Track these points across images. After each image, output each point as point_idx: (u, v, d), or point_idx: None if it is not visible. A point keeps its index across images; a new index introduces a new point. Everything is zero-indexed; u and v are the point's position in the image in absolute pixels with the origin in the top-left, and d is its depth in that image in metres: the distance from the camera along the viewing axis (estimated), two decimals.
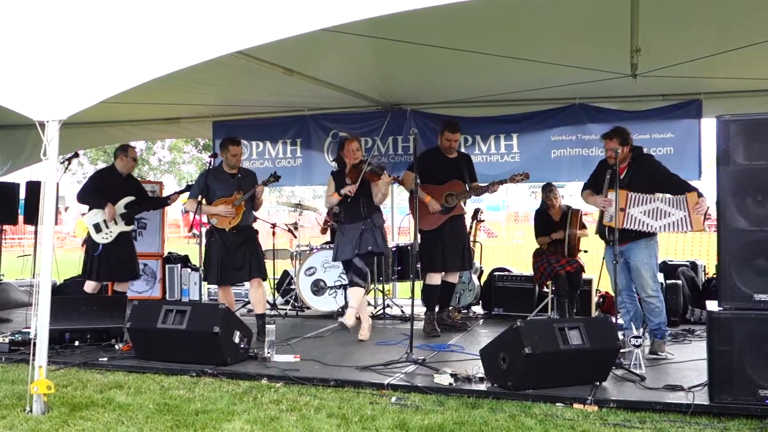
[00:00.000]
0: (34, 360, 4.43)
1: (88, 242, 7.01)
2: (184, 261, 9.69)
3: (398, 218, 9.88)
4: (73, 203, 25.09)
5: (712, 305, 4.46)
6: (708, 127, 7.50)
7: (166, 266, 9.47)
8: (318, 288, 8.11)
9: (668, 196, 5.57)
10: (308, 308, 8.26)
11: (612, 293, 6.14)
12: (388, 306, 8.09)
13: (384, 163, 8.69)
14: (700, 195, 5.46)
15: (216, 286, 7.31)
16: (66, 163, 7.51)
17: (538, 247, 7.62)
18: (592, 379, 4.81)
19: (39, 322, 4.47)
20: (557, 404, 4.50)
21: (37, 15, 4.67)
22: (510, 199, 33.37)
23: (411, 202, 6.88)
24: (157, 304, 6.01)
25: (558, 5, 5.13)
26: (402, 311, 8.02)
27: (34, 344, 4.43)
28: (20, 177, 9.51)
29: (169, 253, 9.90)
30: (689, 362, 5.46)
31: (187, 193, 6.85)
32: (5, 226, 8.95)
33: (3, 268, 8.83)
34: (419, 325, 6.88)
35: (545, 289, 7.73)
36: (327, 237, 8.88)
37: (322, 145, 9.03)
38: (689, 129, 7.72)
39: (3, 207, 8.35)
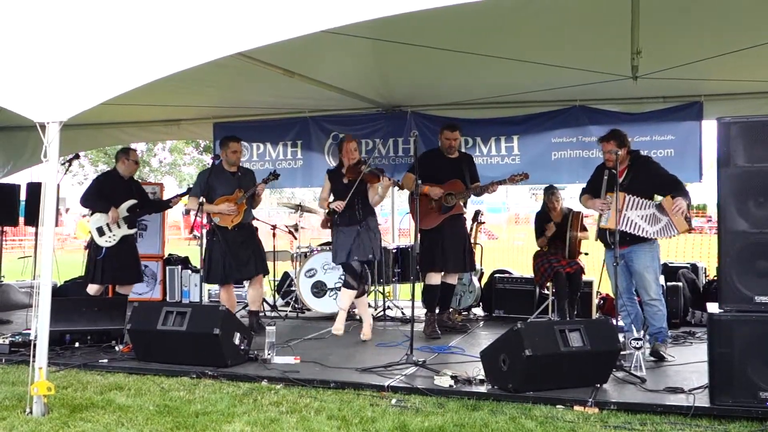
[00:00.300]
0: (34, 361, 4.42)
1: (91, 245, 7.02)
2: (185, 262, 9.69)
3: (398, 219, 9.89)
4: (74, 205, 25.12)
5: (712, 307, 4.46)
6: (709, 129, 7.49)
7: (167, 268, 9.47)
8: (318, 290, 8.12)
9: (659, 200, 5.58)
10: (308, 310, 8.25)
11: (612, 295, 6.14)
12: (388, 307, 8.09)
13: (382, 167, 8.72)
14: (674, 197, 5.45)
15: (217, 288, 7.35)
16: (66, 164, 7.52)
17: (539, 249, 7.62)
18: (593, 381, 4.80)
19: (39, 324, 4.46)
20: (558, 406, 4.50)
21: (37, 17, 4.68)
22: (510, 201, 33.38)
23: (411, 203, 6.91)
24: (158, 305, 6.01)
25: (558, 7, 5.13)
26: (402, 313, 8.03)
27: (35, 346, 4.43)
28: (21, 178, 9.52)
29: (170, 254, 9.90)
30: (690, 364, 5.45)
31: (188, 196, 6.95)
32: (6, 228, 8.95)
33: (3, 270, 8.83)
34: (420, 327, 6.87)
35: (546, 291, 7.73)
36: (328, 235, 8.88)
37: (323, 147, 9.03)
38: (690, 131, 7.73)
39: (4, 208, 8.35)
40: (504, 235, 24.05)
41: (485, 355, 5.04)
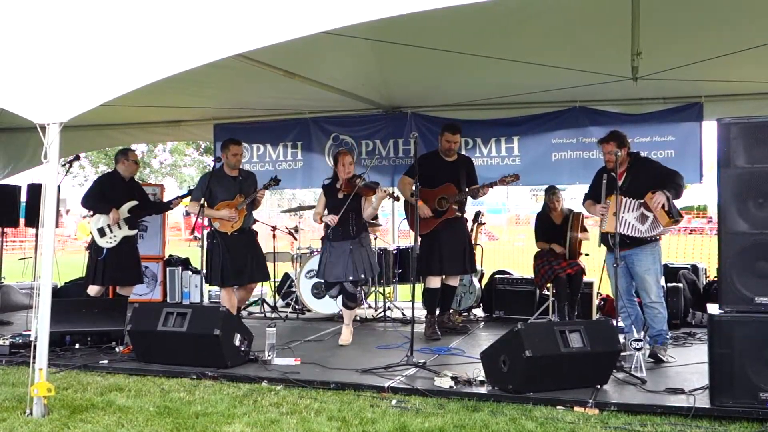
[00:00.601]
0: (34, 362, 4.42)
1: (92, 246, 7.02)
2: (185, 264, 9.69)
3: (398, 220, 9.87)
4: (74, 206, 25.13)
5: (713, 308, 4.45)
6: (709, 130, 7.49)
7: (167, 269, 9.47)
8: (319, 291, 8.11)
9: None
10: (309, 311, 8.26)
11: (613, 296, 6.14)
12: (388, 309, 8.10)
13: (382, 168, 8.74)
14: (654, 192, 5.46)
15: (217, 289, 7.34)
16: (67, 165, 7.53)
17: (539, 249, 7.62)
18: (593, 382, 4.80)
19: (39, 325, 4.46)
20: (558, 407, 4.50)
21: (37, 18, 4.68)
22: (511, 202, 33.41)
23: (406, 207, 6.94)
24: (158, 306, 6.01)
25: (558, 8, 5.13)
26: (403, 314, 8.03)
27: (35, 347, 4.43)
28: (21, 180, 9.53)
29: (170, 255, 9.90)
30: (690, 365, 5.44)
31: (189, 198, 6.95)
32: (6, 229, 8.96)
33: (4, 271, 8.84)
34: (420, 328, 6.87)
35: (546, 292, 7.73)
36: None
37: (323, 148, 9.03)
38: (690, 132, 7.73)
39: (4, 210, 8.36)
40: (504, 236, 24.07)
41: (485, 356, 5.04)
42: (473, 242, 7.97)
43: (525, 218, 27.27)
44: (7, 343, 6.04)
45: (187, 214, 12.25)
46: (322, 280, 6.76)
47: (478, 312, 8.35)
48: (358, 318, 7.99)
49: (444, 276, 6.87)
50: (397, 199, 6.94)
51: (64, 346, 6.08)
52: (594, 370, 4.83)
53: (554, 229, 7.46)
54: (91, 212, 7.08)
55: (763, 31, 5.37)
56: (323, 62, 6.59)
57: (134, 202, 7.07)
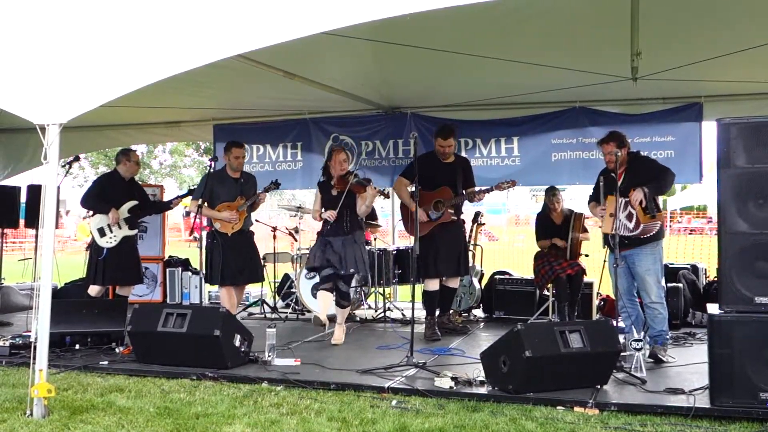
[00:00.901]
0: (34, 363, 4.42)
1: (92, 246, 7.02)
2: (185, 264, 9.69)
3: (398, 221, 9.87)
4: (74, 207, 25.12)
5: (713, 308, 4.46)
6: (709, 130, 7.50)
7: (167, 269, 9.48)
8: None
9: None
10: (309, 311, 8.25)
11: (613, 297, 6.14)
12: (388, 309, 8.09)
13: (381, 168, 8.74)
14: (634, 189, 5.50)
15: (217, 290, 7.36)
16: (67, 166, 7.53)
17: (539, 250, 7.62)
18: (593, 383, 4.80)
19: (39, 326, 4.46)
20: (558, 407, 4.50)
21: (37, 18, 4.68)
22: (511, 203, 33.37)
23: (402, 209, 6.96)
24: (158, 307, 6.01)
25: (558, 9, 5.13)
26: (403, 314, 8.03)
27: (35, 347, 4.43)
28: (21, 180, 9.52)
29: (170, 256, 9.90)
30: (690, 365, 5.44)
31: (189, 198, 6.99)
32: (6, 230, 8.95)
33: (4, 272, 8.84)
34: (420, 329, 6.87)
35: (546, 293, 7.73)
36: None
37: (323, 149, 9.01)
38: (690, 132, 7.73)
39: (4, 210, 8.36)
40: (504, 237, 24.06)
41: (485, 357, 5.04)
42: (473, 243, 7.98)
43: (525, 219, 27.24)
44: (7, 344, 6.04)
45: (187, 214, 12.25)
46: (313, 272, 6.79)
47: (478, 312, 8.34)
48: (358, 318, 7.99)
49: (443, 278, 6.87)
50: (387, 195, 6.94)
51: (64, 346, 6.08)
52: (594, 370, 4.83)
53: (554, 229, 7.46)
54: (91, 212, 7.09)
55: (763, 31, 5.37)
56: (323, 63, 6.59)
57: (134, 202, 7.07)
